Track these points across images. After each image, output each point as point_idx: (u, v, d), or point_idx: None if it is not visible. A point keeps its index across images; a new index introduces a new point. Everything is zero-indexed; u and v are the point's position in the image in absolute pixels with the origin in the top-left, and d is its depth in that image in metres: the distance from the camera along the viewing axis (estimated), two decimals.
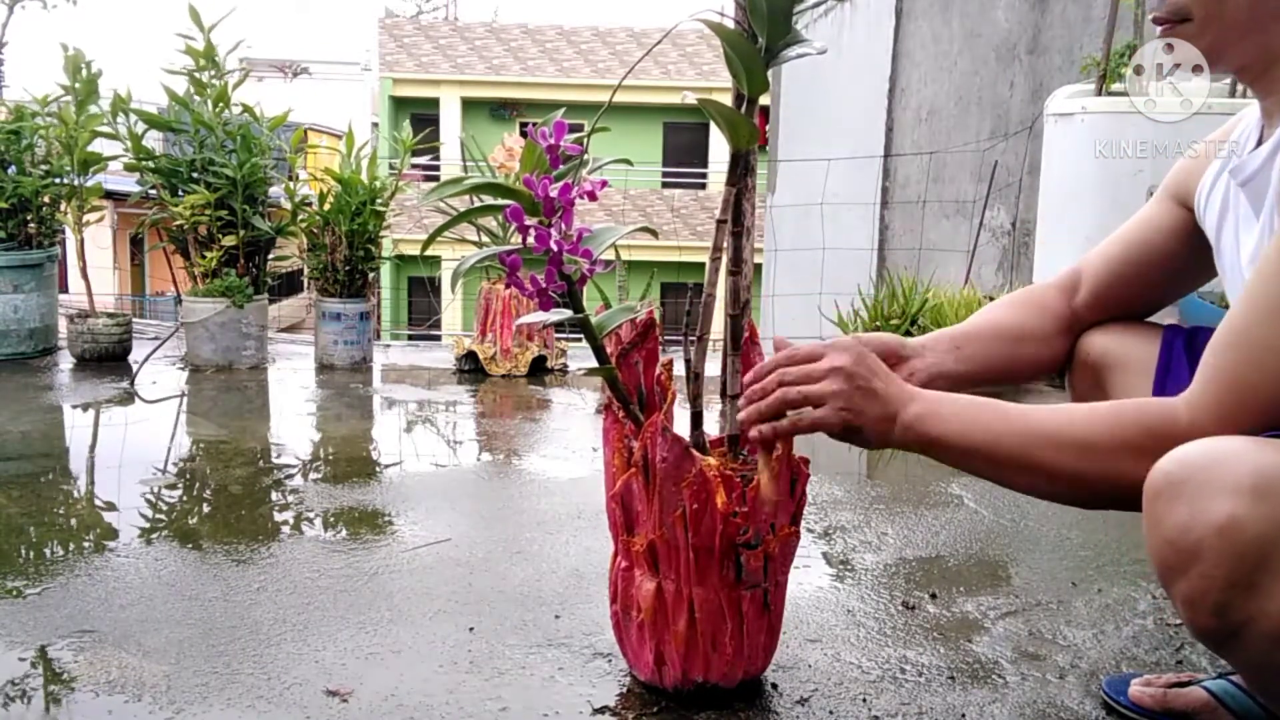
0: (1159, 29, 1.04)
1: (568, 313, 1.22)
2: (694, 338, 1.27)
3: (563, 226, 1.16)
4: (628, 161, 1.33)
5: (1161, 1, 1.02)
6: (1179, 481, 0.85)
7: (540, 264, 1.18)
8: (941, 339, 1.30)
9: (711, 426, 1.35)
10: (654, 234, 1.33)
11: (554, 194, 1.13)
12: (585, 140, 1.19)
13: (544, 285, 1.17)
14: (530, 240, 1.16)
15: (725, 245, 1.24)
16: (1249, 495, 0.81)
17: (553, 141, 1.15)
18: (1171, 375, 1.19)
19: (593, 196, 1.15)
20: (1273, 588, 0.80)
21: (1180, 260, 1.26)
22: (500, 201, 1.21)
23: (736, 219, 1.24)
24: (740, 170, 1.22)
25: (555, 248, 1.14)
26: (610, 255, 1.21)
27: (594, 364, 1.28)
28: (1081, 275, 1.34)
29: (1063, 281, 1.35)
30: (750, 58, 1.11)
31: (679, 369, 1.33)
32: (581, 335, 1.25)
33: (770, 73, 1.15)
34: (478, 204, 1.33)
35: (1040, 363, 1.34)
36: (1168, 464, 0.87)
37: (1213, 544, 0.82)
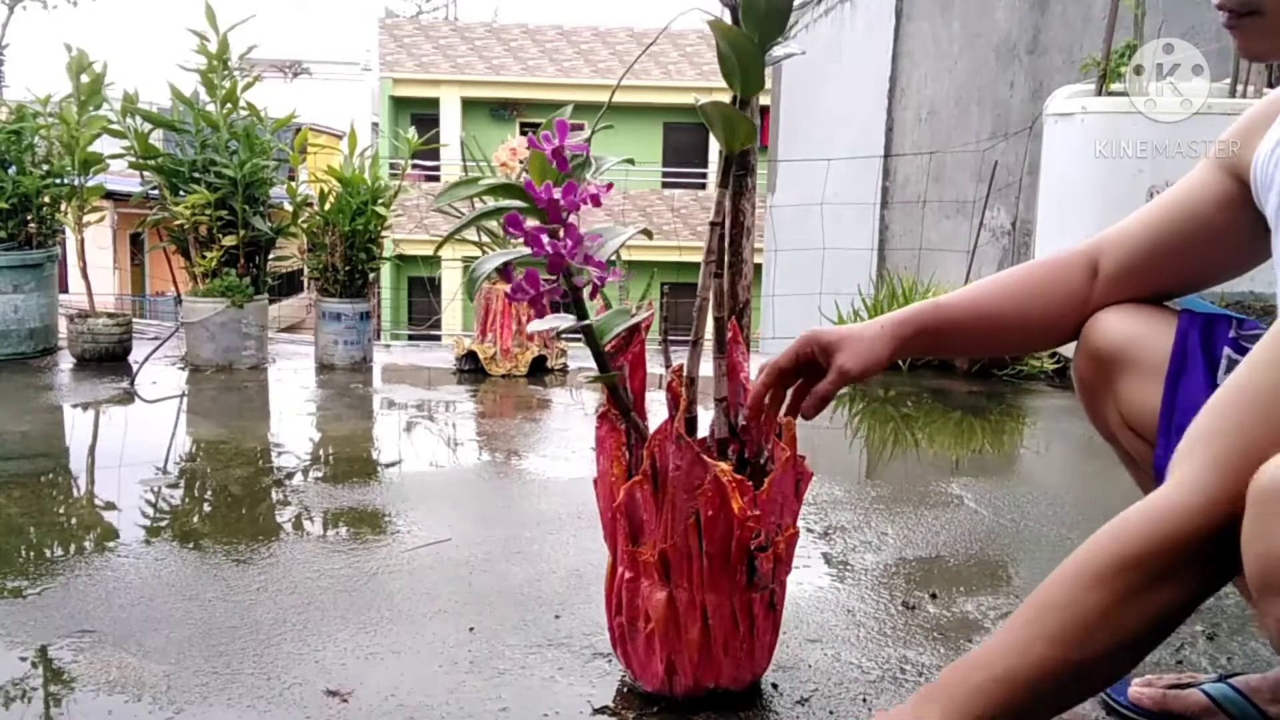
0: (1222, 16, 0.99)
1: (572, 319, 1.19)
2: (693, 341, 1.27)
3: (563, 233, 1.11)
4: (630, 161, 1.30)
5: None
6: None
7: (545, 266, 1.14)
8: (908, 323, 1.23)
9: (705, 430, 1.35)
10: (649, 235, 1.30)
11: (558, 198, 1.09)
12: (588, 141, 1.17)
13: (541, 290, 1.12)
14: (539, 245, 1.12)
15: (714, 247, 1.23)
16: None
17: (557, 144, 1.11)
18: (1186, 375, 1.09)
19: (597, 201, 1.11)
20: None
21: (1227, 240, 1.15)
22: (513, 203, 1.17)
23: (734, 221, 1.23)
24: (734, 172, 1.22)
25: (551, 250, 1.10)
26: (614, 260, 1.19)
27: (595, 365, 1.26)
28: (1101, 252, 1.21)
29: (1083, 259, 1.23)
30: (750, 57, 1.11)
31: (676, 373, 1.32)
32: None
33: (769, 72, 1.14)
34: (481, 206, 1.32)
35: (1037, 345, 1.29)
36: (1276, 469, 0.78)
37: None
